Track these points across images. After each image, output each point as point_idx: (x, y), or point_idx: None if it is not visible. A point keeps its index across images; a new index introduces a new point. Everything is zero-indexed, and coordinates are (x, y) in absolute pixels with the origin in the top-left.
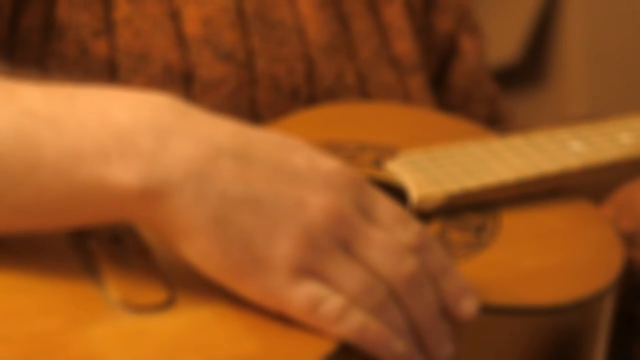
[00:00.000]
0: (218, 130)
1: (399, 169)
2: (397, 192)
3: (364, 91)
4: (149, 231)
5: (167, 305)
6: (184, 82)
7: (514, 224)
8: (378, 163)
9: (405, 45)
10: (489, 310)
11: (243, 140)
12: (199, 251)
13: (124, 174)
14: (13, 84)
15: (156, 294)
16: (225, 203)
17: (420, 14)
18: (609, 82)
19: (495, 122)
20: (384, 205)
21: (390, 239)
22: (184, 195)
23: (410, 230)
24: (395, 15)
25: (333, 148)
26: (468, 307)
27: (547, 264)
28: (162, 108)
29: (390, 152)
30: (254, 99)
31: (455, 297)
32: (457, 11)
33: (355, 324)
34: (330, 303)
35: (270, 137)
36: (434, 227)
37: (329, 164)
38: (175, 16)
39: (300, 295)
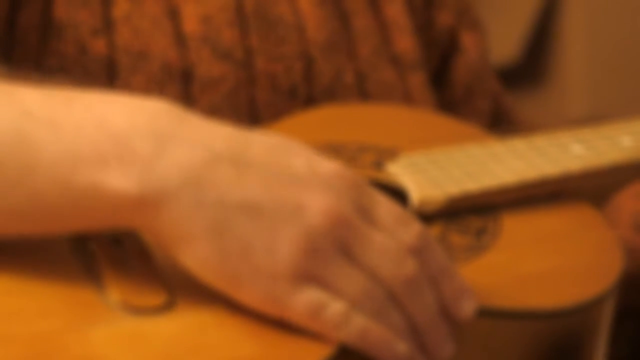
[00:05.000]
0: (215, 136)
1: (399, 171)
2: (397, 194)
3: (362, 90)
4: (147, 237)
5: (166, 307)
6: (182, 81)
7: (515, 227)
8: (378, 165)
9: (406, 42)
10: (489, 314)
11: (240, 145)
12: (197, 259)
13: (121, 180)
14: (12, 86)
15: (156, 297)
16: (223, 210)
17: (421, 11)
18: (609, 82)
19: (500, 118)
20: (384, 206)
21: (390, 241)
22: (182, 202)
23: (411, 232)
24: (397, 12)
25: (333, 150)
26: (467, 308)
27: (548, 267)
28: (160, 113)
29: (390, 153)
30: (252, 98)
31: (454, 298)
32: (457, 7)
33: (357, 328)
34: (332, 308)
35: (268, 140)
36: (435, 230)
37: (328, 166)
38: (174, 14)
39: (302, 301)
